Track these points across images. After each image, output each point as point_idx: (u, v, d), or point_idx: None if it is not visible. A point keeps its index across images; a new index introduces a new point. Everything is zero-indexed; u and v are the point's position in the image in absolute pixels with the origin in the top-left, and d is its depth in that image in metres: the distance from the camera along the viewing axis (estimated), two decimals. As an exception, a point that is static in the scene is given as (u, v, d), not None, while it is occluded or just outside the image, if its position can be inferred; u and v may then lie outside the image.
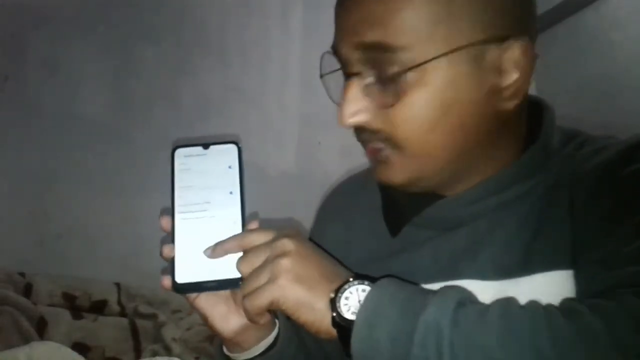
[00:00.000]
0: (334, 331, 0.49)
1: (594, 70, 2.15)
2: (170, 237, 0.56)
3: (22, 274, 1.53)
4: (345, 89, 0.55)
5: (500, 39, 0.52)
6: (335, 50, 0.57)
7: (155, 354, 1.37)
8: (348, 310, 0.48)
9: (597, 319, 0.41)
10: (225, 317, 0.57)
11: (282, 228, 0.55)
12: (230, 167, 0.57)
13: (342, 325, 0.48)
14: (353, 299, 0.48)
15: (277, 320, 0.61)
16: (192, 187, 0.56)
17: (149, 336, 1.50)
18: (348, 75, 0.56)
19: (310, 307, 0.49)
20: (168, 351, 1.41)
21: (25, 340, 1.23)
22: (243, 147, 0.58)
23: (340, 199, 0.76)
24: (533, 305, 0.46)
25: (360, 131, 0.57)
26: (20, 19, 1.73)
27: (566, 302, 0.46)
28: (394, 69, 0.51)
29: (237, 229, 0.55)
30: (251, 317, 0.53)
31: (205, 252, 0.54)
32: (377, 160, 0.57)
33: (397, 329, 0.45)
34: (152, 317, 1.57)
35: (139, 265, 1.72)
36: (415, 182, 0.57)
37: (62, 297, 1.53)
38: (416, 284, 0.55)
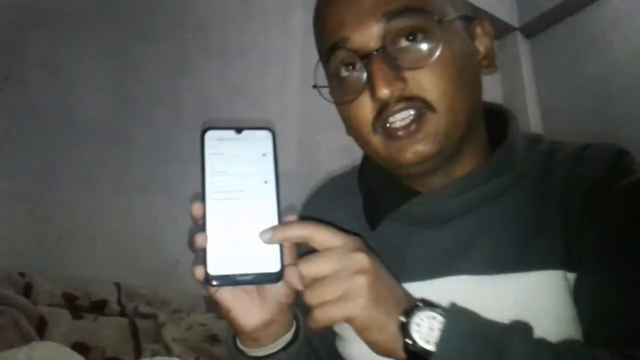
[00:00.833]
0: (403, 355, 0.49)
1: (593, 70, 2.15)
2: (201, 226, 0.52)
3: (22, 274, 1.52)
4: (371, 65, 0.58)
5: (472, 17, 0.65)
6: (341, 43, 0.60)
7: (155, 354, 1.37)
8: (420, 337, 0.48)
9: None
10: (248, 311, 0.55)
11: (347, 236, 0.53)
12: (264, 154, 0.54)
13: (416, 352, 0.48)
14: (424, 326, 0.49)
15: (295, 319, 0.61)
16: (225, 173, 0.53)
17: (149, 336, 1.50)
18: (365, 57, 0.59)
19: (383, 328, 0.50)
20: (168, 351, 1.41)
21: (25, 340, 1.22)
22: None
23: (319, 206, 0.77)
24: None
25: (386, 106, 0.59)
26: (20, 19, 1.73)
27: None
28: (425, 27, 0.59)
29: (274, 220, 0.52)
30: (317, 327, 0.51)
31: (261, 235, 0.51)
32: (408, 133, 0.59)
33: None
34: (152, 317, 1.57)
35: (139, 265, 1.73)
36: (439, 152, 0.60)
37: (62, 297, 1.53)
38: (412, 280, 0.60)
